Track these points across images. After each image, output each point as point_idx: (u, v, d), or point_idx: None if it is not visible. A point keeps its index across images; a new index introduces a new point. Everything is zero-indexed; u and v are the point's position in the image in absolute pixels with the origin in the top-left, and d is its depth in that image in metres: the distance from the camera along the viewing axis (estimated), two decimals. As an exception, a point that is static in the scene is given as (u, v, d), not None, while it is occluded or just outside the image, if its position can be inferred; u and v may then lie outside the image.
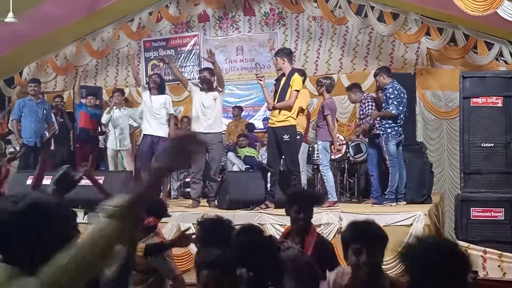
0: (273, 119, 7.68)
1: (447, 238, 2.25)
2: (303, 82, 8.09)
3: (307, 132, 9.31)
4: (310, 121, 9.67)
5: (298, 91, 7.56)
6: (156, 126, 8.56)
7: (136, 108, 10.42)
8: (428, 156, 10.06)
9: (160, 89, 8.71)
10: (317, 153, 8.87)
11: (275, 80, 7.89)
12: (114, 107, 9.59)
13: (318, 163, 8.86)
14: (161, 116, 8.61)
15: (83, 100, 10.52)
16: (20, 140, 9.60)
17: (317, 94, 8.69)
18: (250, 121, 11.88)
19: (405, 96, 8.26)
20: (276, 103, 7.58)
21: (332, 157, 8.73)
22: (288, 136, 7.54)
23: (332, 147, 8.34)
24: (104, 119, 9.70)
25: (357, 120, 9.20)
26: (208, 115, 8.23)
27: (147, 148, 8.53)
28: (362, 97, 8.71)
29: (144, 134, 8.75)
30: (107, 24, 12.56)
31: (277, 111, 7.58)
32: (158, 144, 8.48)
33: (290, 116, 7.57)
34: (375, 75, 8.54)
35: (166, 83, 12.09)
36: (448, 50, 10.75)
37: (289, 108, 7.56)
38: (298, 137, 8.08)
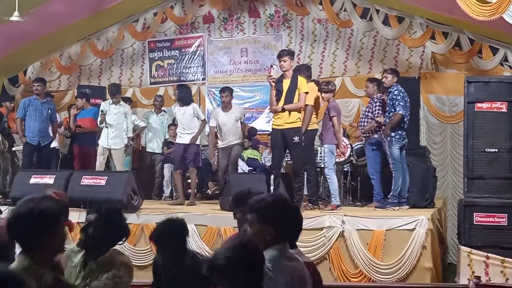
0: (280, 120, 7.68)
1: None
2: (310, 76, 8.33)
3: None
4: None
5: (307, 93, 7.68)
6: (187, 136, 9.07)
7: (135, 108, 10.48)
8: (431, 161, 10.05)
9: (184, 100, 9.13)
10: (321, 156, 8.86)
11: (272, 81, 7.63)
12: (110, 102, 9.57)
13: (322, 165, 8.85)
14: (192, 128, 9.10)
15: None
16: (23, 139, 9.60)
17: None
18: (254, 122, 11.85)
19: (408, 100, 8.29)
20: (284, 105, 7.59)
21: (336, 160, 8.70)
22: (298, 138, 7.60)
23: (337, 150, 8.33)
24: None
25: (361, 116, 9.17)
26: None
27: (179, 153, 9.15)
28: (375, 96, 8.71)
29: (177, 143, 9.29)
30: (112, 24, 12.57)
31: (286, 112, 7.60)
32: (189, 149, 9.11)
33: (298, 118, 7.68)
34: (385, 72, 8.53)
35: (170, 84, 12.15)
36: (453, 54, 10.71)
37: (299, 110, 7.67)
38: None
